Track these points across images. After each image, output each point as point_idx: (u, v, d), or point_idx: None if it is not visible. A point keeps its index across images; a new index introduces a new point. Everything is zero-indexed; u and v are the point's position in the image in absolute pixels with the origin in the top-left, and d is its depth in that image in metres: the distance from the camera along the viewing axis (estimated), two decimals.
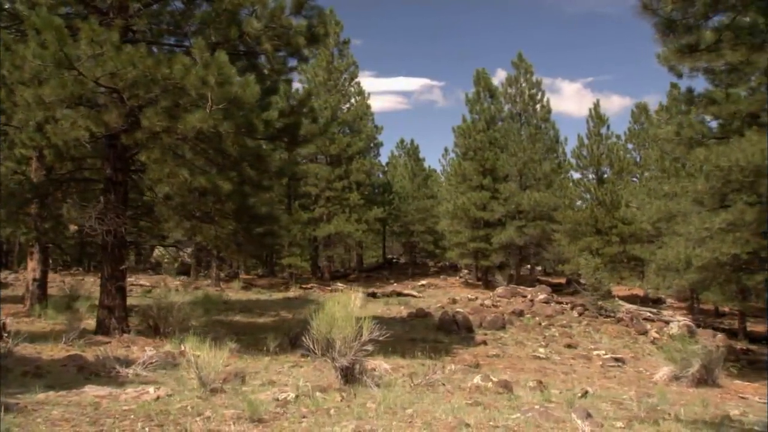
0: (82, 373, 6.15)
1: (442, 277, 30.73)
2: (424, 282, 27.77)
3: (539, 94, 27.80)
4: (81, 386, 5.17)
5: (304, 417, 4.60)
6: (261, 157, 10.18)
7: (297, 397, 5.27)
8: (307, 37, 10.17)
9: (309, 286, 25.95)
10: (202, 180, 9.01)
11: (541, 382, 7.46)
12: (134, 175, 10.85)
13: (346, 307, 6.48)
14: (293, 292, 23.61)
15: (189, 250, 26.09)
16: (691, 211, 12.89)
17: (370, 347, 6.36)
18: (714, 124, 13.61)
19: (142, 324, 11.31)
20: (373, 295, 22.94)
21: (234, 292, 23.08)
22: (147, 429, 3.87)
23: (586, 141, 25.67)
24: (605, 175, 25.49)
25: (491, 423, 4.71)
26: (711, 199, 12.52)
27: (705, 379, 11.04)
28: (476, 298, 20.83)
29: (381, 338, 6.54)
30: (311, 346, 6.30)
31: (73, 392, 4.92)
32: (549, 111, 28.11)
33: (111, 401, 4.66)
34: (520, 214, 25.96)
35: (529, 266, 31.18)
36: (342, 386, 6.09)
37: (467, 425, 4.60)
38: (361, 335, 6.31)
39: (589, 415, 5.05)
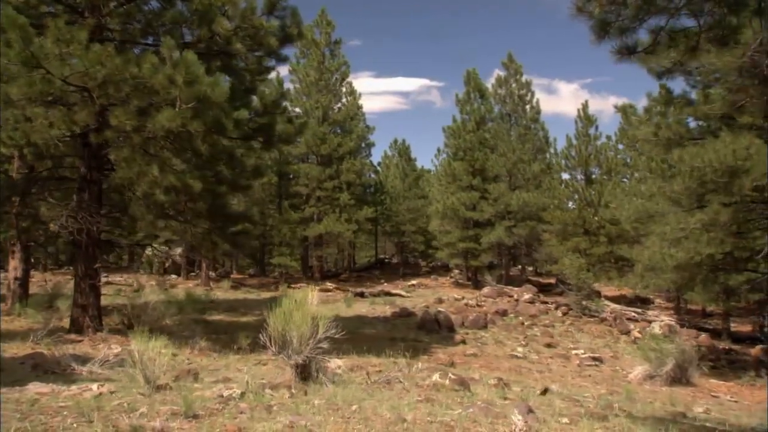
0: (35, 370, 6.18)
1: (433, 277, 30.76)
2: (414, 282, 27.82)
3: (529, 94, 27.88)
4: (27, 383, 5.21)
5: (241, 413, 4.63)
6: (234, 156, 10.21)
7: (243, 393, 5.30)
8: (280, 37, 10.21)
9: (298, 285, 25.95)
10: (172, 179, 9.04)
11: (501, 380, 7.49)
12: (109, 174, 10.89)
13: (302, 305, 6.50)
14: (282, 292, 23.63)
15: (179, 249, 26.20)
16: (668, 212, 12.92)
17: (325, 345, 6.38)
18: (697, 125, 13.66)
19: (120, 323, 11.40)
20: (362, 295, 22.98)
21: (222, 292, 23.14)
22: (75, 425, 3.91)
23: (574, 141, 25.69)
24: (593, 176, 25.50)
25: (429, 419, 4.74)
26: (688, 199, 12.54)
27: (679, 377, 11.12)
28: (462, 298, 20.87)
29: (344, 336, 6.58)
30: (268, 343, 6.34)
31: (16, 389, 4.96)
32: (538, 112, 28.19)
33: (51, 398, 4.70)
34: (510, 215, 25.99)
35: (519, 266, 31.22)
36: (296, 383, 6.12)
37: (404, 420, 4.63)
38: (317, 333, 6.34)
39: (530, 411, 5.08)
